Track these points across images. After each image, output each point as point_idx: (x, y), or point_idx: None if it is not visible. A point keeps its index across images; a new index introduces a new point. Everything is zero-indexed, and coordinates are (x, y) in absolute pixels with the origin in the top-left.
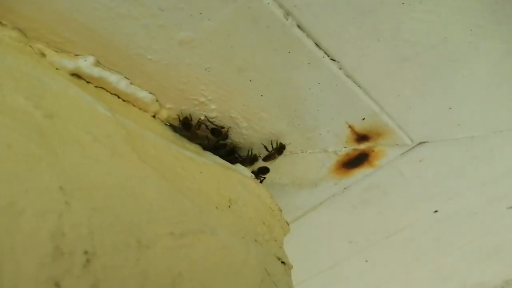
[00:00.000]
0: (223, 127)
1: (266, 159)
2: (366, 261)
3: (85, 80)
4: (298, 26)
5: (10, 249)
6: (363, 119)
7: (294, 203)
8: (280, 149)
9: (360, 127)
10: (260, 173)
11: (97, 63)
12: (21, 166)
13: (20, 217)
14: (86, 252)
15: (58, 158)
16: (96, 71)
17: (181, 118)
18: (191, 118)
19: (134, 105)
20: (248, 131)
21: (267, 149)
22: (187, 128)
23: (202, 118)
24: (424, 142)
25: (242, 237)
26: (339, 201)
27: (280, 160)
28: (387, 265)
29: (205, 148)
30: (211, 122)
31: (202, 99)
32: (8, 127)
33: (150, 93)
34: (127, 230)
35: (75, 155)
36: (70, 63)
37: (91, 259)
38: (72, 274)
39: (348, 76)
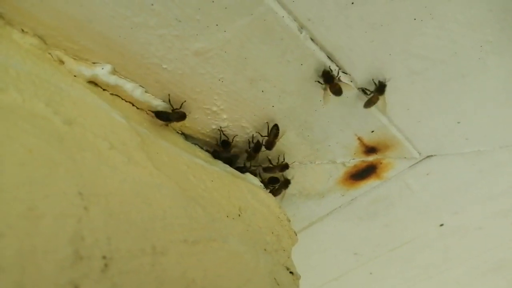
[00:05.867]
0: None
1: (266, 170)
2: (371, 273)
3: (101, 87)
4: (312, 39)
5: (30, 252)
6: (372, 131)
7: (300, 214)
8: (283, 167)
9: (368, 139)
10: (270, 183)
11: (114, 71)
12: (41, 171)
13: (40, 221)
14: (104, 257)
15: (76, 164)
16: (113, 79)
17: (220, 139)
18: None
19: (147, 113)
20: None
21: (270, 162)
22: (225, 146)
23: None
24: (431, 156)
25: (252, 246)
26: (345, 212)
27: (288, 170)
28: (392, 278)
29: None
30: (225, 135)
31: (215, 109)
32: (28, 132)
33: (164, 101)
34: (142, 236)
35: (92, 162)
36: (87, 71)
37: (109, 264)
38: (91, 278)
39: (359, 89)
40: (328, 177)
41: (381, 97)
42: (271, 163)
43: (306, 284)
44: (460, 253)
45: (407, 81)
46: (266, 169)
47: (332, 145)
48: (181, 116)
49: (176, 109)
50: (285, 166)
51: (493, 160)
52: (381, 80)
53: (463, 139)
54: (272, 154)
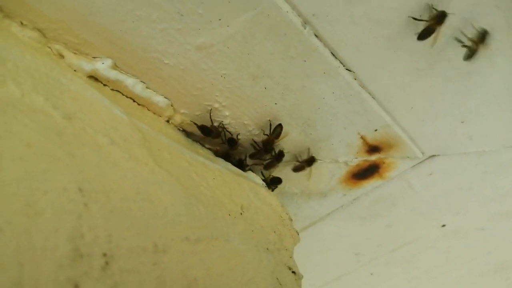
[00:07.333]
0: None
1: (295, 169)
2: (372, 274)
3: (102, 82)
4: (316, 35)
5: (29, 249)
6: (376, 130)
7: (302, 213)
8: (309, 161)
9: (372, 138)
10: (272, 183)
11: (115, 66)
12: (40, 166)
13: (39, 217)
14: (104, 255)
15: (76, 159)
16: (113, 74)
17: (225, 137)
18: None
19: (148, 109)
20: (260, 139)
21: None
22: (232, 144)
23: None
24: (435, 156)
25: (254, 245)
26: (347, 212)
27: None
28: (393, 279)
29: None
30: (229, 132)
31: (216, 105)
32: (27, 127)
33: (165, 97)
34: (144, 234)
35: (92, 157)
36: (87, 65)
37: (109, 262)
38: (91, 277)
39: (363, 86)
40: (331, 176)
41: None
42: (298, 161)
43: (307, 284)
44: (462, 254)
45: (411, 79)
46: (295, 169)
47: (335, 144)
48: (219, 134)
49: (216, 126)
50: (312, 159)
51: (497, 160)
52: None
53: (467, 139)
54: (297, 151)
